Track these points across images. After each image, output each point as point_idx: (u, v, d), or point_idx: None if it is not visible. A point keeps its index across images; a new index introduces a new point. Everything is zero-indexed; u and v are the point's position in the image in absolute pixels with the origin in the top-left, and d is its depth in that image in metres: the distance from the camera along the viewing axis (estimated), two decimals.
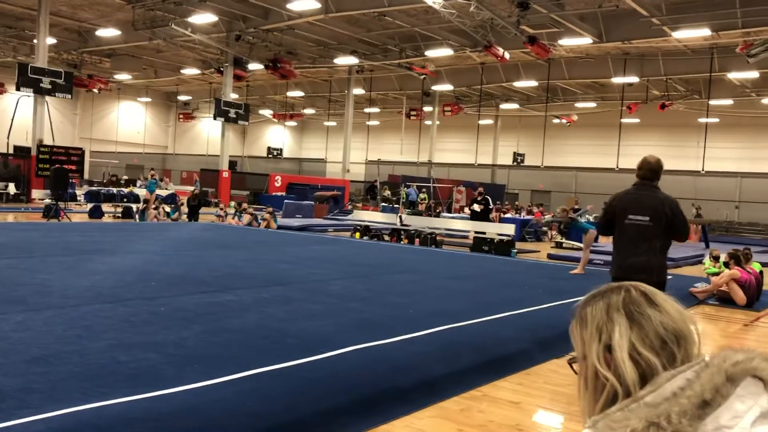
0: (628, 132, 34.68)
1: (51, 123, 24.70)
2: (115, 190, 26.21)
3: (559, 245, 18.59)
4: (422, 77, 31.88)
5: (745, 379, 0.95)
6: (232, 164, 36.91)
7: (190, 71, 36.02)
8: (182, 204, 22.03)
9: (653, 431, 0.91)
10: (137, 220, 19.91)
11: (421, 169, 38.97)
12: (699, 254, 15.73)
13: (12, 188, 24.02)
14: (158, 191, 23.25)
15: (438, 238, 17.00)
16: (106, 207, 21.48)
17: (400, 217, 18.60)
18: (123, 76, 38.06)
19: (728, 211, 33.18)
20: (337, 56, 29.74)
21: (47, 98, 24.45)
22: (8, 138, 28.92)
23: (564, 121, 36.41)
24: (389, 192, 31.26)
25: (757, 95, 30.69)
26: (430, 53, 27.26)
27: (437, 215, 23.67)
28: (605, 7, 19.97)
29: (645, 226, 4.81)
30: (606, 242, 20.82)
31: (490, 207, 19.63)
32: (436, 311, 7.15)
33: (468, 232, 18.01)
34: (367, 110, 41.89)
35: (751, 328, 8.34)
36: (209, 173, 35.22)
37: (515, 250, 15.50)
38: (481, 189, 19.92)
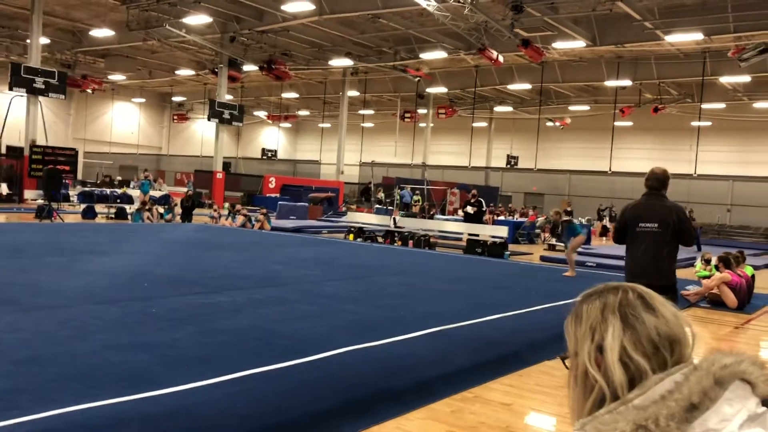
0: (621, 135, 34.80)
1: (44, 123, 24.60)
2: (108, 190, 26.13)
3: (551, 248, 18.63)
4: (416, 79, 31.92)
5: (733, 382, 0.95)
6: (226, 165, 36.82)
7: (185, 72, 35.96)
8: (176, 205, 21.97)
9: None
10: (132, 221, 19.84)
11: (415, 171, 39.01)
12: (690, 257, 15.79)
13: (4, 188, 23.91)
14: (152, 192, 23.19)
15: (431, 240, 17.02)
16: (99, 208, 21.40)
17: (394, 219, 18.61)
18: (117, 77, 37.96)
19: (720, 215, 33.35)
20: (331, 58, 29.74)
21: (40, 98, 24.35)
22: (1, 138, 28.78)
23: (557, 124, 36.52)
24: (383, 194, 31.27)
25: (748, 99, 30.86)
26: (425, 56, 27.29)
27: (431, 217, 23.69)
28: (599, 10, 20.05)
29: (654, 232, 5.14)
30: (599, 245, 20.87)
31: (484, 209, 19.65)
32: (429, 313, 7.16)
33: (461, 234, 18.03)
34: (361, 112, 41.90)
35: (742, 331, 8.38)
36: (203, 174, 35.15)
37: (508, 253, 15.54)
38: (474, 191, 19.94)
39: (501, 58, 24.05)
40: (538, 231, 21.58)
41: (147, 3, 23.81)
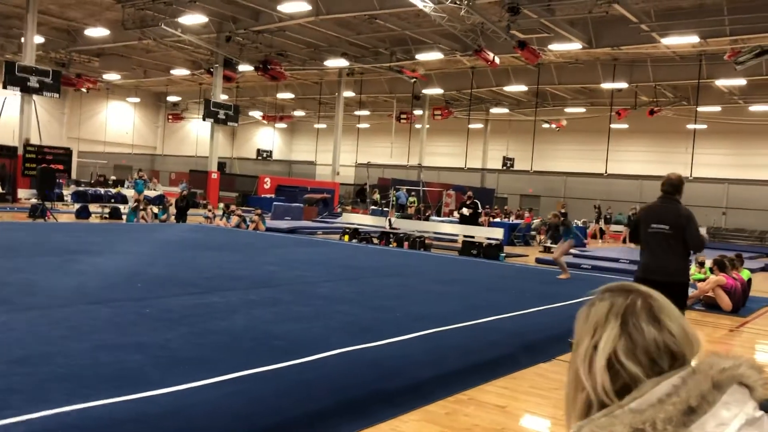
0: (617, 137, 34.86)
1: (38, 122, 24.53)
2: (102, 190, 26.06)
3: (547, 250, 18.65)
4: (412, 81, 31.92)
5: (731, 386, 0.94)
6: (221, 166, 36.79)
7: (180, 72, 35.88)
8: (170, 205, 21.92)
9: None
10: (126, 221, 19.77)
11: (411, 173, 39.01)
12: None
13: None
14: (146, 192, 23.12)
15: (427, 241, 17.02)
16: (93, 207, 21.33)
17: (390, 221, 18.60)
18: (112, 76, 37.85)
19: (715, 218, 33.44)
20: (327, 58, 29.72)
21: (35, 97, 24.27)
22: None
23: (553, 125, 36.57)
24: (379, 195, 31.27)
25: (744, 102, 30.96)
26: (421, 57, 27.30)
27: (426, 219, 23.69)
28: (595, 13, 20.08)
29: (666, 234, 5.48)
30: (594, 247, 20.90)
31: (479, 211, 19.67)
32: (424, 314, 7.15)
33: (457, 235, 18.04)
34: (357, 113, 41.88)
35: (737, 334, 8.39)
36: (198, 174, 35.08)
37: (503, 255, 15.55)
38: (470, 193, 19.95)
39: (497, 60, 24.08)
40: (533, 233, 21.61)
41: (142, 2, 23.74)
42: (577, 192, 36.86)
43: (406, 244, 16.87)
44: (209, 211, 21.90)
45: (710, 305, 9.76)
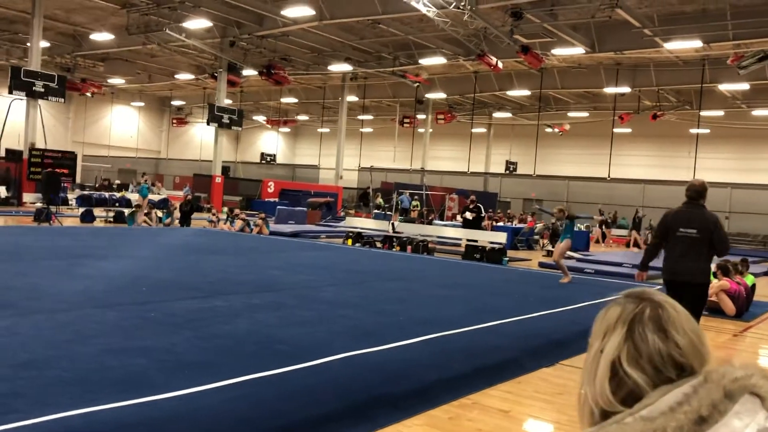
0: (620, 142, 34.83)
1: (43, 126, 24.60)
2: (107, 194, 26.12)
3: (550, 254, 18.64)
4: (415, 85, 31.96)
5: (743, 395, 0.94)
6: (225, 170, 36.83)
7: (184, 76, 35.98)
8: (174, 209, 21.97)
9: None
10: (129, 225, 19.81)
11: (414, 177, 39.02)
12: None
13: (3, 191, 23.89)
14: (150, 196, 23.18)
15: (430, 245, 17.02)
16: (97, 211, 21.38)
17: (393, 225, 18.61)
18: (116, 81, 37.98)
19: None
20: (331, 63, 29.78)
21: (40, 101, 24.35)
22: (0, 141, 28.79)
23: (556, 130, 36.57)
24: (382, 199, 31.28)
25: (747, 107, 30.92)
26: (424, 61, 27.34)
27: (429, 223, 23.70)
28: (598, 17, 20.09)
29: (693, 237, 5.78)
30: (596, 251, 20.88)
31: (482, 215, 19.67)
32: (427, 319, 7.16)
33: (460, 240, 18.03)
34: (360, 117, 41.93)
35: (741, 339, 8.38)
36: (202, 178, 35.14)
37: (507, 259, 15.54)
38: (473, 197, 19.96)
39: (500, 64, 24.10)
40: (536, 237, 21.60)
41: (147, 7, 23.85)
42: (580, 196, 36.82)
43: (409, 248, 16.88)
44: (213, 215, 21.94)
45: (714, 310, 9.74)
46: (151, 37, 26.07)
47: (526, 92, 32.45)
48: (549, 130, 36.37)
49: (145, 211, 20.46)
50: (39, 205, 19.59)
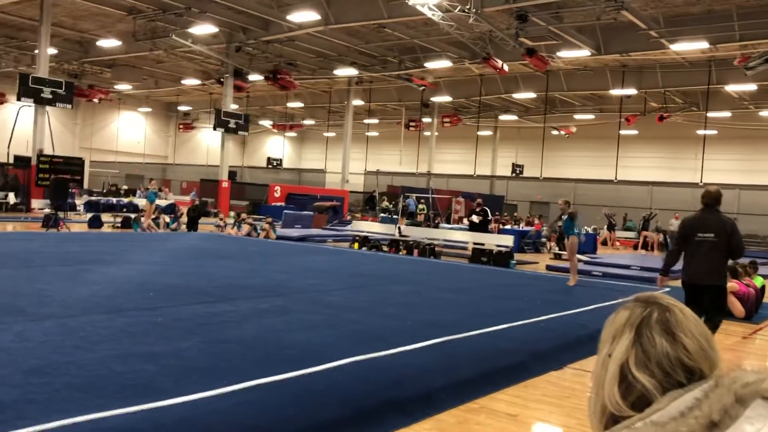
0: (627, 144, 34.76)
1: (51, 133, 24.74)
2: (114, 200, 26.23)
3: (557, 257, 18.60)
4: (421, 88, 31.98)
5: (754, 400, 0.93)
6: (232, 174, 36.95)
7: (191, 82, 36.13)
8: (182, 214, 22.04)
9: None
10: (134, 230, 19.89)
11: (420, 180, 39.02)
12: None
13: (12, 198, 24.03)
14: (158, 201, 23.25)
15: (436, 249, 17.01)
16: (105, 217, 21.47)
17: (399, 228, 18.61)
18: (123, 87, 38.16)
19: None
20: (336, 67, 29.85)
21: (48, 108, 24.49)
22: (9, 148, 28.96)
23: (562, 132, 36.52)
24: (388, 203, 31.29)
25: (755, 107, 30.81)
26: (429, 65, 27.37)
27: (436, 226, 23.69)
28: (603, 19, 20.08)
29: (711, 241, 6.10)
30: (603, 254, 20.82)
31: (489, 218, 19.65)
32: (435, 323, 7.16)
33: (467, 243, 18.02)
34: (366, 121, 41.99)
35: (750, 341, 8.34)
36: (209, 183, 35.24)
37: (514, 262, 15.52)
38: (479, 200, 19.94)
39: (506, 67, 24.10)
40: (543, 240, 21.56)
41: (153, 13, 23.97)
42: (586, 198, 36.72)
43: (415, 251, 16.88)
44: (220, 219, 22.00)
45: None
46: (158, 43, 26.20)
47: (532, 95, 32.43)
48: (555, 132, 36.32)
49: (154, 216, 20.53)
50: (47, 211, 19.70)
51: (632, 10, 19.03)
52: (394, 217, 25.48)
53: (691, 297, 6.05)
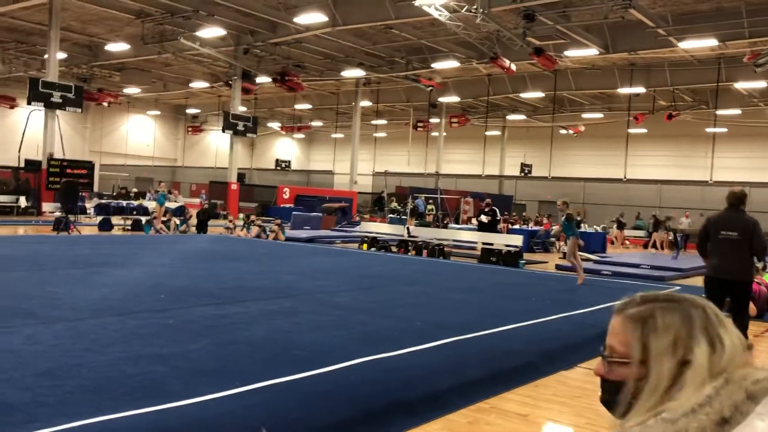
0: (636, 142, 34.61)
1: (61, 137, 24.88)
2: (124, 202, 26.36)
3: (566, 256, 18.53)
4: (429, 89, 31.96)
5: (765, 397, 0.94)
6: (241, 176, 37.01)
7: (199, 84, 36.26)
8: (191, 216, 22.13)
9: None
10: (146, 232, 19.98)
11: (429, 180, 39.01)
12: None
13: (23, 201, 24.19)
14: (168, 204, 23.36)
15: (446, 249, 17.00)
16: (115, 220, 21.58)
17: (408, 229, 18.60)
18: (132, 90, 38.34)
19: None
20: (344, 69, 29.88)
21: (58, 112, 24.64)
22: (20, 152, 29.16)
23: (571, 131, 36.40)
24: (397, 203, 31.28)
25: (765, 105, 30.59)
26: (437, 65, 27.35)
27: (445, 226, 23.66)
28: (611, 18, 20.00)
29: (734, 239, 6.34)
30: (613, 253, 20.73)
31: (498, 218, 19.61)
32: (444, 323, 7.15)
33: (476, 243, 17.99)
34: (374, 122, 42.01)
35: (762, 339, 8.29)
36: (218, 185, 35.36)
37: (523, 261, 15.47)
38: (488, 200, 19.91)
39: (513, 67, 24.04)
40: (553, 239, 21.50)
41: (162, 17, 24.08)
42: (596, 198, 36.61)
43: (424, 252, 16.87)
44: (230, 221, 22.06)
45: None
46: (166, 46, 26.31)
47: (540, 94, 32.34)
48: (563, 131, 36.21)
49: (164, 218, 20.61)
50: (58, 214, 19.82)
51: (640, 8, 18.94)
52: (403, 217, 25.47)
53: (714, 292, 6.29)
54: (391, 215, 28.90)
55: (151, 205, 24.51)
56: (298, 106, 41.35)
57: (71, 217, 18.65)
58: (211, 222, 21.98)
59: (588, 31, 22.36)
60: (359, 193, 36.78)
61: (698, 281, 13.43)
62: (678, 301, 1.09)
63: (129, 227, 20.84)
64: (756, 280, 9.74)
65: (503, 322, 7.34)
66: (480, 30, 21.52)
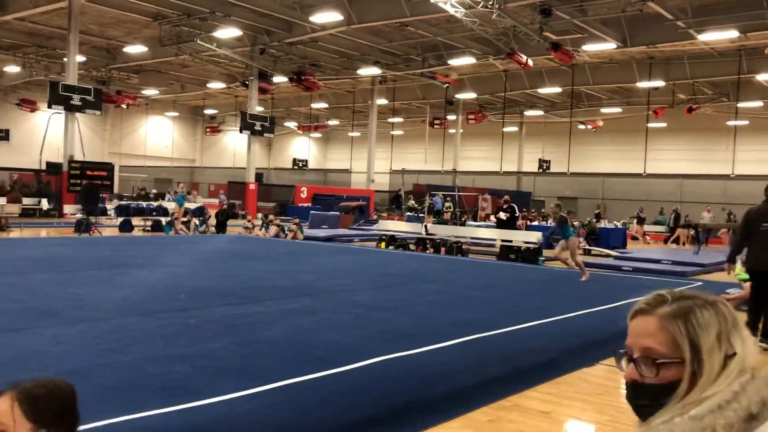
0: (655, 136, 34.24)
1: (81, 139, 25.15)
2: (144, 203, 26.58)
3: (587, 252, 18.41)
4: (445, 86, 31.87)
5: None
6: (259, 176, 37.16)
7: (216, 85, 36.47)
8: (209, 217, 22.27)
9: None
10: (166, 233, 20.13)
11: (446, 178, 38.89)
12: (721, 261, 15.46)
13: (45, 204, 24.49)
14: (187, 204, 23.54)
15: (464, 247, 16.95)
16: (135, 221, 21.77)
17: (426, 227, 18.58)
18: (150, 92, 38.66)
19: None
20: (360, 67, 29.89)
21: (77, 115, 24.90)
22: (41, 155, 29.55)
23: (589, 126, 36.10)
24: (414, 201, 31.24)
25: None
26: (453, 62, 27.26)
27: (463, 224, 23.59)
28: (629, 11, 19.80)
29: None
30: (633, 248, 20.52)
31: (516, 215, 19.51)
32: (463, 321, 7.14)
33: (494, 240, 17.92)
34: (390, 120, 41.97)
35: None
36: (236, 185, 35.55)
37: (542, 258, 15.38)
38: (507, 197, 19.81)
39: (530, 62, 23.88)
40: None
41: (178, 18, 24.25)
42: (615, 193, 36.27)
43: (443, 249, 16.83)
44: (248, 221, 22.18)
45: None
46: (183, 47, 26.49)
47: (558, 89, 32.11)
48: (582, 126, 35.92)
49: (184, 219, 20.76)
50: (79, 216, 20.04)
51: (658, 0, 18.74)
52: (421, 215, 25.44)
53: (756, 282, 6.61)
54: (408, 213, 28.87)
55: (170, 206, 24.69)
56: (314, 105, 41.44)
57: (92, 219, 18.84)
58: (230, 222, 22.10)
59: (605, 24, 22.16)
60: (376, 191, 36.78)
61: (720, 276, 13.26)
62: (707, 299, 1.08)
63: (149, 228, 21.02)
64: None
65: (524, 319, 7.30)
66: (496, 26, 21.41)
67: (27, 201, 24.49)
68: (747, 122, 31.71)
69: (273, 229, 20.01)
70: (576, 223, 22.82)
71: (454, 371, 5.17)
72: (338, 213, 26.76)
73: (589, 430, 4.38)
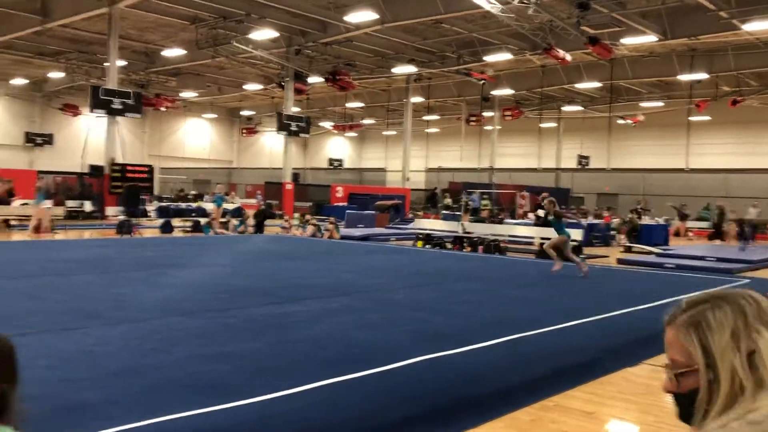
0: (698, 130, 33.48)
1: (122, 142, 25.65)
2: (183, 204, 27.00)
3: (628, 249, 18.09)
4: (481, 82, 31.64)
5: None
6: (295, 176, 37.42)
7: (253, 87, 36.85)
8: (248, 217, 22.51)
9: None
10: (206, 233, 20.40)
11: (482, 175, 38.63)
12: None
13: (88, 206, 25.05)
14: (225, 205, 23.83)
15: (502, 245, 16.80)
16: (176, 222, 22.11)
17: (463, 225, 18.47)
18: (188, 94, 39.25)
19: None
20: (394, 66, 29.87)
21: (118, 118, 25.41)
22: (83, 158, 30.23)
23: (629, 121, 35.44)
24: (450, 199, 31.09)
25: None
26: (489, 58, 27.03)
27: (500, 222, 23.39)
28: (669, 3, 19.38)
29: None
30: (676, 245, 20.09)
31: None
32: (504, 320, 7.07)
33: (533, 238, 17.72)
34: (425, 118, 41.85)
35: None
36: (273, 186, 35.86)
37: (583, 256, 15.14)
38: (545, 194, 19.56)
39: (568, 57, 23.54)
40: (613, 233, 21.00)
41: (215, 21, 24.56)
42: (656, 189, 35.56)
43: (480, 248, 16.70)
44: (285, 221, 22.35)
45: None
46: (220, 50, 26.82)
47: (596, 84, 31.61)
48: (621, 121, 35.28)
49: (223, 219, 21.01)
50: (121, 217, 20.44)
51: None
52: (456, 213, 25.31)
53: None
54: (444, 212, 28.75)
55: (209, 206, 25.02)
56: (349, 105, 41.55)
57: (134, 220, 19.19)
58: (267, 222, 22.31)
59: (644, 17, 21.72)
60: (412, 189, 36.73)
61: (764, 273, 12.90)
62: (725, 297, 1.06)
63: (189, 229, 21.33)
64: None
65: (565, 318, 7.20)
66: (533, 21, 21.16)
67: (71, 203, 25.08)
68: None
69: (310, 229, 20.12)
70: (617, 220, 22.43)
71: (496, 371, 5.13)
72: (374, 212, 26.78)
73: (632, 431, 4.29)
